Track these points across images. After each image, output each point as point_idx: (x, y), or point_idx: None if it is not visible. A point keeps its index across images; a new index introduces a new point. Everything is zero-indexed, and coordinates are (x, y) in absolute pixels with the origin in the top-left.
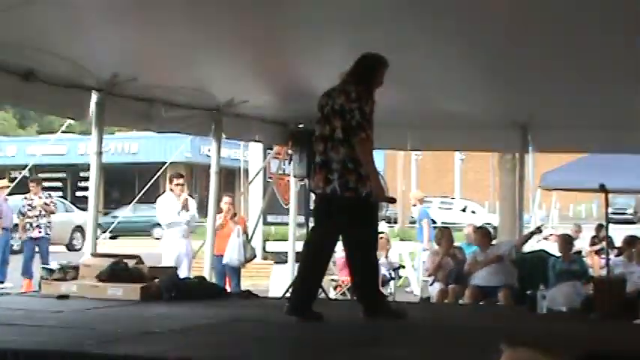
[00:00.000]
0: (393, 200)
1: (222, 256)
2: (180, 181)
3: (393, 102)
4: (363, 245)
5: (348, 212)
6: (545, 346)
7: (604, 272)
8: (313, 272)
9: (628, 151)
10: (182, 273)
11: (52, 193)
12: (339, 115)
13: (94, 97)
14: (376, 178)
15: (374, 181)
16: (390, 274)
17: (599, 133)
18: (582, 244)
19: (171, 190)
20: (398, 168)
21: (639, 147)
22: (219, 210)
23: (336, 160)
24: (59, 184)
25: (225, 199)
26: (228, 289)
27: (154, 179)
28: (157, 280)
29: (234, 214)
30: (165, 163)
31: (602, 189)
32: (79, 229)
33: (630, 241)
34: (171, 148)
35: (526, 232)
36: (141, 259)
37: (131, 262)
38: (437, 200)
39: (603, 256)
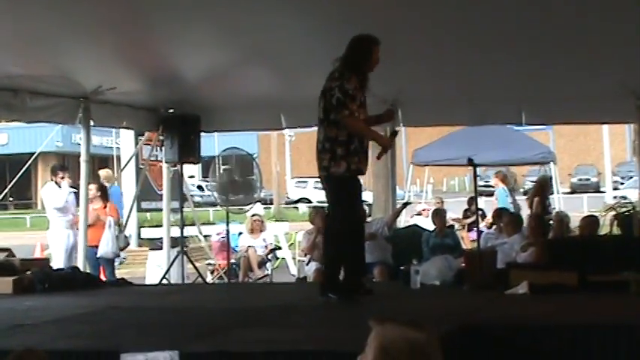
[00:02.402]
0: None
1: (95, 246)
2: (66, 174)
3: (264, 83)
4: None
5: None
6: (415, 321)
7: (475, 245)
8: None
9: (495, 123)
10: (78, 263)
11: None
12: (322, 96)
13: None
14: (377, 135)
15: (377, 139)
16: (266, 255)
17: (467, 106)
18: (448, 214)
19: (56, 182)
20: (272, 149)
21: (505, 119)
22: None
23: (319, 140)
24: None
25: (90, 187)
26: (103, 279)
27: (24, 169)
28: (29, 273)
29: (105, 205)
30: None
31: (470, 163)
32: None
33: (499, 213)
34: (42, 137)
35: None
36: (12, 252)
37: (1, 255)
38: (312, 180)
39: (475, 228)
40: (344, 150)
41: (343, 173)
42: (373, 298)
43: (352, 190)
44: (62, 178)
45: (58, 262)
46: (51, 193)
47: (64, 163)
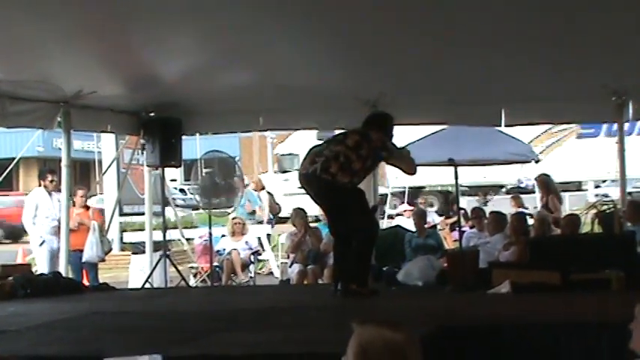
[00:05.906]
0: None
1: (77, 251)
2: (55, 177)
3: (245, 85)
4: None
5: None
6: (393, 322)
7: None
8: None
9: (476, 124)
10: (60, 267)
11: None
12: (360, 137)
13: None
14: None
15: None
16: (249, 258)
17: (448, 107)
18: (431, 215)
19: (45, 186)
20: (254, 152)
21: (486, 120)
22: (73, 204)
23: (332, 151)
24: None
25: (80, 193)
26: (87, 284)
27: (4, 174)
28: (10, 278)
29: (88, 207)
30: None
31: (451, 162)
32: None
33: (476, 212)
34: (23, 142)
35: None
36: None
37: None
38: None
39: (457, 228)
40: (352, 175)
41: (347, 183)
42: (357, 299)
43: (361, 195)
44: (52, 181)
45: (42, 268)
46: (42, 199)
47: (46, 168)
